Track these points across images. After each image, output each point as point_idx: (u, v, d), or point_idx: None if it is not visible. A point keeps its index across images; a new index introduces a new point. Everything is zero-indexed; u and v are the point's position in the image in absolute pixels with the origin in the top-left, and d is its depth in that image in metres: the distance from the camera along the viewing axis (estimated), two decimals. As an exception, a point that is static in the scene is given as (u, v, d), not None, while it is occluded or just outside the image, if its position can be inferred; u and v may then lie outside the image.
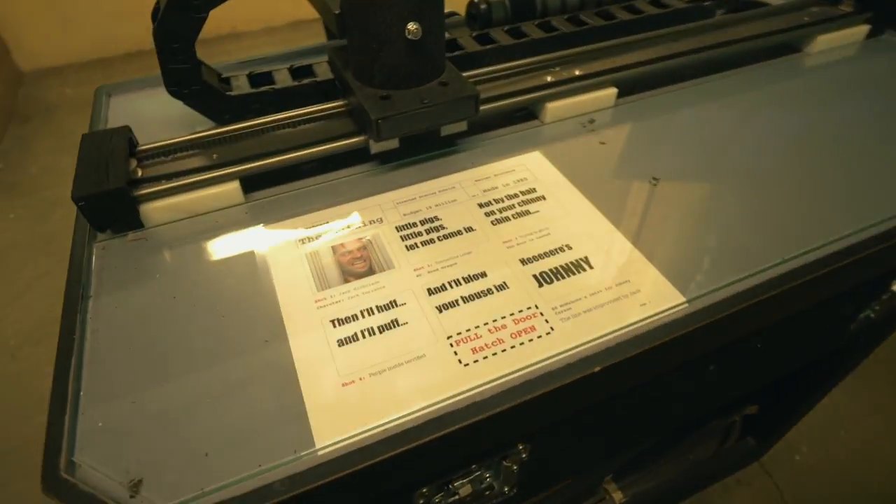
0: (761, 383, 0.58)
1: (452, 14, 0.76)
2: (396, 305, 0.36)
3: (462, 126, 0.47)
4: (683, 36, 0.58)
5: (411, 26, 0.39)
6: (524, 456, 0.38)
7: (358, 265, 0.38)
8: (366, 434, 0.29)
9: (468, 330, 0.34)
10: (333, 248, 0.40)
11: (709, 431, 0.83)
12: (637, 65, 0.53)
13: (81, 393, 0.31)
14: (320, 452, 0.29)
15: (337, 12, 0.41)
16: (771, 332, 0.44)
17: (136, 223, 0.41)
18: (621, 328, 0.34)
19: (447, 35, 0.61)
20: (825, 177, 0.45)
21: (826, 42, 0.61)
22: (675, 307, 0.35)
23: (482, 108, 0.48)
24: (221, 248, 0.40)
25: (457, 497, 0.39)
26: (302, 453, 0.28)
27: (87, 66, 2.35)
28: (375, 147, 0.45)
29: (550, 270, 0.38)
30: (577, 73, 0.53)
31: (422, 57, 0.42)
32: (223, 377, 0.32)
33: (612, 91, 0.52)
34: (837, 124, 0.51)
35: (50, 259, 1.55)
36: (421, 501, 0.37)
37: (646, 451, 0.80)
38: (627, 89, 0.54)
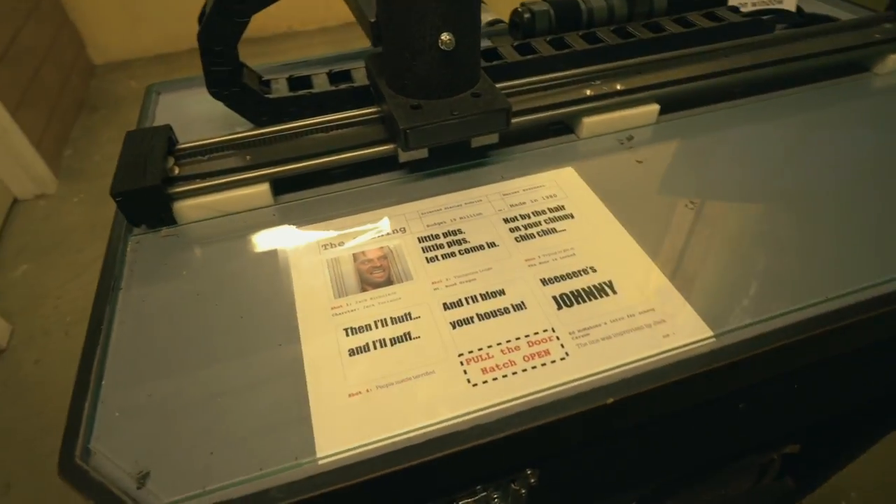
0: (802, 424, 0.55)
1: (497, 21, 0.76)
2: (411, 318, 0.36)
3: (493, 138, 0.46)
4: (736, 51, 0.55)
5: (445, 37, 0.39)
6: (532, 481, 0.37)
7: (377, 274, 0.39)
8: (367, 448, 0.29)
9: (480, 349, 0.33)
10: (354, 255, 0.40)
11: (744, 467, 0.79)
12: (682, 81, 0.51)
13: (103, 382, 0.33)
14: (321, 462, 0.29)
15: (372, 20, 0.41)
16: (811, 374, 0.42)
17: (169, 219, 0.43)
18: (640, 359, 0.32)
19: (488, 43, 0.60)
20: (884, 210, 0.42)
21: (898, 61, 0.56)
22: (701, 341, 0.33)
23: (516, 120, 0.47)
24: (247, 248, 0.41)
25: (461, 518, 0.38)
26: (303, 461, 0.29)
27: (153, 60, 2.49)
28: (404, 156, 0.45)
29: (572, 293, 0.37)
30: (618, 87, 0.51)
31: (454, 68, 0.41)
32: (235, 378, 0.33)
33: (654, 108, 0.51)
34: (903, 152, 0.47)
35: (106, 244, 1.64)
36: (423, 520, 0.37)
37: (673, 480, 0.77)
38: (671, 106, 0.52)
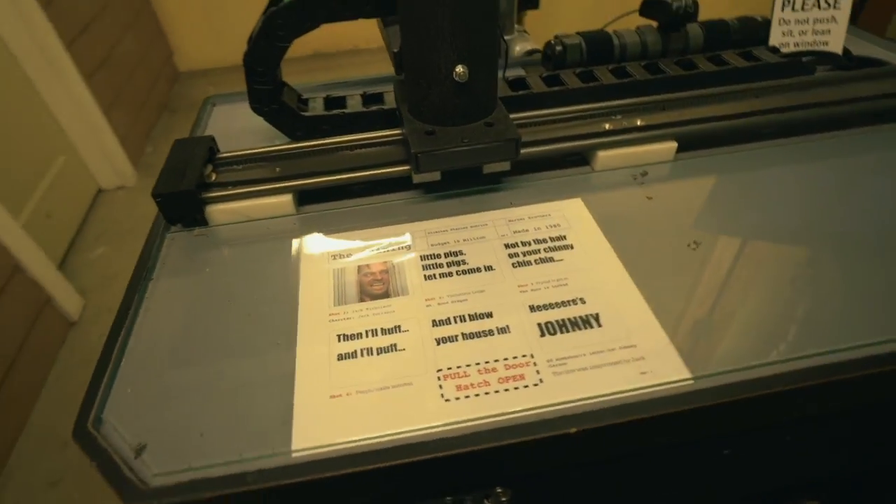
0: (804, 478, 0.52)
1: (536, 51, 0.77)
2: (400, 331, 0.37)
3: (505, 166, 0.48)
4: (766, 92, 0.54)
5: (459, 69, 0.41)
6: (504, 499, 0.38)
7: (376, 287, 0.41)
8: (338, 447, 0.31)
9: (459, 367, 0.35)
10: (359, 267, 0.42)
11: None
12: (702, 120, 0.51)
13: (122, 361, 0.37)
14: (294, 455, 0.31)
15: (395, 51, 0.44)
16: (803, 426, 0.40)
17: (202, 221, 0.47)
18: (612, 393, 0.33)
19: (521, 72, 0.62)
20: (879, 275, 0.40)
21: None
22: (677, 382, 0.33)
23: (529, 150, 0.48)
24: (265, 252, 0.45)
25: (434, 527, 0.39)
26: (278, 452, 0.31)
27: (231, 69, 2.66)
28: (417, 177, 0.47)
29: (557, 321, 0.37)
30: (638, 122, 0.51)
31: (468, 97, 0.43)
32: (233, 370, 0.35)
33: (672, 145, 0.50)
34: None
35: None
36: (395, 523, 0.38)
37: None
38: (691, 144, 0.52)
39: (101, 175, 1.89)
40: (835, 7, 0.63)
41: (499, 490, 0.38)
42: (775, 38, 0.65)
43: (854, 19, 0.91)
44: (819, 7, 0.63)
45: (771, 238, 0.43)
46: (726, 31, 0.65)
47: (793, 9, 0.63)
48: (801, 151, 0.52)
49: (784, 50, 0.64)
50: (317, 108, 0.56)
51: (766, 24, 0.65)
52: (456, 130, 0.44)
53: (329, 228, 0.46)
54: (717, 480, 0.44)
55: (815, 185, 0.48)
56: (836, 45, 0.64)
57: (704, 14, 0.66)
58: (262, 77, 0.51)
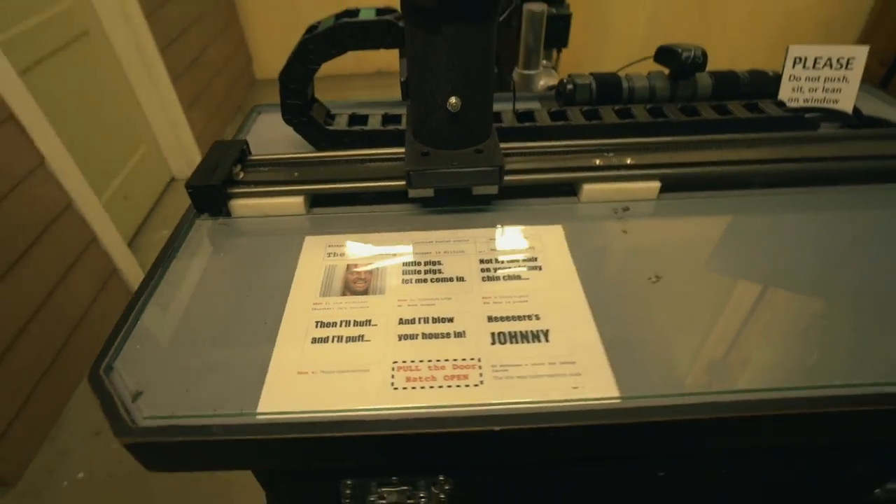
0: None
1: (553, 87, 0.80)
2: (369, 325, 0.41)
3: (493, 189, 0.51)
4: (757, 143, 0.55)
5: (452, 100, 0.45)
6: (447, 488, 0.40)
7: (359, 284, 0.45)
8: (296, 416, 0.35)
9: (413, 361, 0.38)
10: (348, 265, 0.47)
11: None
12: (688, 164, 0.52)
13: (138, 322, 0.42)
14: (258, 417, 0.35)
15: (403, 80, 0.48)
16: (737, 459, 0.40)
17: (226, 212, 0.52)
18: (541, 401, 0.35)
19: (537, 105, 0.65)
20: (839, 323, 0.40)
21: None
22: (605, 399, 0.35)
23: (520, 177, 0.51)
24: (273, 244, 0.50)
25: (384, 502, 0.42)
26: (245, 412, 0.35)
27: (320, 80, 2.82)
28: (412, 193, 0.51)
29: (509, 332, 0.40)
30: (627, 161, 0.53)
31: (460, 125, 0.47)
32: (224, 340, 0.40)
33: (655, 185, 0.52)
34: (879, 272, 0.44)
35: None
36: (348, 492, 0.41)
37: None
38: (675, 186, 0.53)
39: (175, 165, 2.05)
40: (847, 68, 0.63)
41: (441, 478, 0.40)
42: (784, 93, 0.65)
43: (885, 85, 0.89)
44: (831, 67, 0.63)
45: (727, 280, 0.44)
46: (736, 83, 0.66)
47: (804, 67, 0.63)
48: (782, 202, 0.52)
49: (793, 105, 0.64)
50: (341, 123, 0.61)
51: (776, 79, 0.65)
52: (448, 154, 0.48)
53: (332, 229, 0.51)
54: (650, 501, 0.45)
55: (787, 235, 0.48)
56: (846, 103, 0.64)
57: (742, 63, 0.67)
58: (294, 93, 0.56)
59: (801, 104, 0.64)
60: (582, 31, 2.41)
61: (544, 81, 0.82)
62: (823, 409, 0.34)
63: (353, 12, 0.54)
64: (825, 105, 0.64)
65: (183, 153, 2.03)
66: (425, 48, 0.43)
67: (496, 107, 0.63)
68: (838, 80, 0.63)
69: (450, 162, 0.47)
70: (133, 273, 1.54)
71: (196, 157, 2.06)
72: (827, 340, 0.38)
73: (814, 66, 0.63)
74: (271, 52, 2.73)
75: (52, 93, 1.42)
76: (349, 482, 0.41)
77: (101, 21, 1.69)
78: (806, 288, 0.43)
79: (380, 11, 0.53)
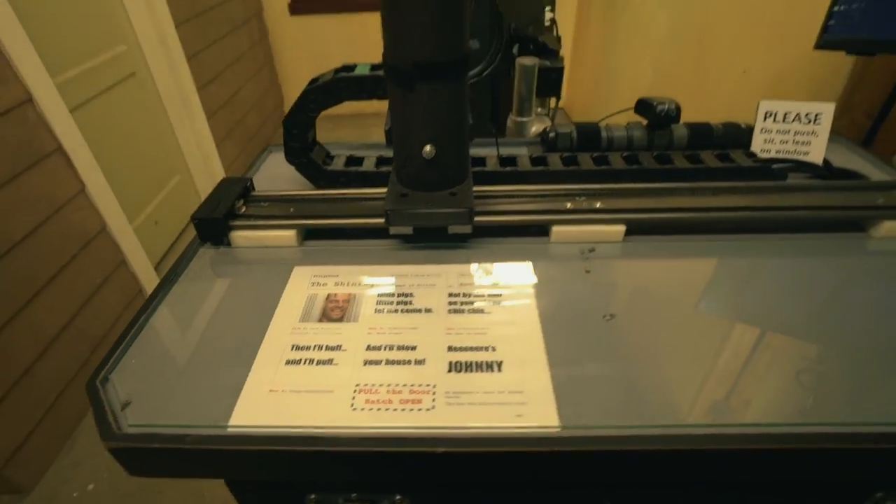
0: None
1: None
2: (339, 350, 0.44)
3: (467, 229, 0.54)
4: (723, 192, 0.57)
5: (427, 148, 0.49)
6: (403, 508, 0.42)
7: (335, 312, 0.48)
8: (264, 430, 0.38)
9: (373, 385, 0.41)
10: (328, 294, 0.50)
11: None
12: (652, 210, 0.55)
13: (136, 340, 0.46)
14: (229, 429, 0.38)
15: (387, 129, 0.53)
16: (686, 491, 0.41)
17: (227, 242, 0.57)
18: (485, 427, 0.37)
19: (522, 151, 0.69)
20: (779, 361, 0.41)
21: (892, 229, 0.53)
22: (545, 427, 0.37)
23: (488, 219, 0.55)
24: (265, 273, 0.54)
25: (346, 520, 0.44)
26: (218, 424, 0.38)
27: (325, 119, 2.94)
28: (392, 230, 0.54)
29: (465, 362, 0.42)
30: (597, 205, 0.56)
31: (436, 170, 0.51)
32: (208, 357, 0.44)
33: (620, 228, 0.54)
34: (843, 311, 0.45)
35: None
36: (311, 507, 0.44)
37: None
38: (640, 229, 0.55)
39: (204, 194, 2.15)
40: (815, 122, 0.65)
41: (398, 497, 0.42)
42: (756, 145, 0.67)
43: (872, 136, 0.90)
44: (800, 121, 0.65)
45: (678, 319, 0.45)
46: (710, 134, 0.68)
47: (774, 120, 0.66)
48: (742, 248, 0.54)
49: (764, 156, 0.67)
50: (338, 163, 0.66)
51: (749, 131, 0.68)
52: (425, 195, 0.52)
53: (319, 261, 0.54)
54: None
55: (743, 279, 0.50)
56: (816, 155, 0.66)
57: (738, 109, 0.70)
58: (296, 137, 0.61)
59: (773, 155, 0.67)
60: (593, 77, 2.48)
61: (536, 128, 0.86)
62: (758, 445, 0.35)
63: (350, 67, 0.60)
64: (796, 156, 0.66)
65: (213, 183, 2.14)
66: (403, 103, 0.48)
67: (484, 151, 0.68)
68: (808, 133, 0.65)
69: (425, 203, 0.51)
70: (157, 294, 1.61)
71: (225, 188, 2.16)
72: (765, 379, 0.39)
73: (784, 120, 0.66)
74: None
75: (97, 126, 1.54)
76: (314, 496, 0.43)
77: (148, 64, 1.82)
78: (752, 330, 0.44)
79: (373, 67, 0.59)
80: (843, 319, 0.45)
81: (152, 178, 1.86)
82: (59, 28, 1.45)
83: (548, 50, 0.91)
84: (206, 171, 2.10)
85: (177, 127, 1.98)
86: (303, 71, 2.81)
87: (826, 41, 0.72)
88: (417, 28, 0.44)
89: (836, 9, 0.69)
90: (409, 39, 0.45)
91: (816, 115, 0.65)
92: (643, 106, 0.69)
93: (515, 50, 0.95)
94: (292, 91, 2.89)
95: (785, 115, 0.66)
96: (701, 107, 1.49)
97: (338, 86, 0.57)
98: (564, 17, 2.75)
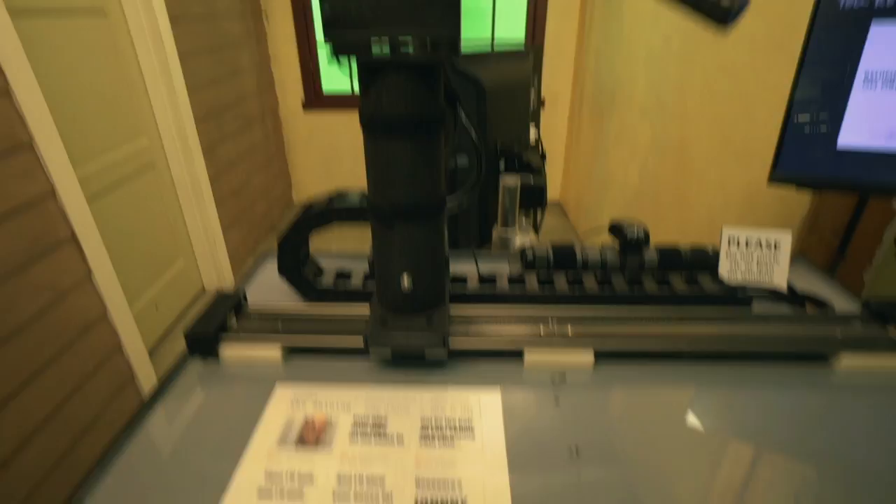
0: None
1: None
2: (311, 481, 0.45)
3: (442, 354, 0.57)
4: (692, 320, 0.60)
5: (405, 283, 0.53)
6: None
7: (310, 436, 0.50)
8: (225, 569, 0.38)
9: (339, 521, 0.41)
10: (306, 417, 0.52)
11: None
12: (622, 337, 0.58)
13: (114, 462, 0.47)
14: (191, 568, 0.38)
15: (370, 260, 0.57)
16: None
17: (216, 356, 0.60)
18: (444, 574, 0.37)
19: (503, 267, 0.73)
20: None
21: (853, 362, 0.56)
22: (503, 576, 0.37)
23: (462, 345, 0.57)
24: (249, 389, 0.56)
25: None
26: (181, 562, 0.39)
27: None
28: (372, 354, 0.57)
29: (430, 497, 0.43)
30: (568, 331, 0.59)
31: (412, 300, 0.55)
32: (185, 478, 0.45)
33: (589, 357, 0.57)
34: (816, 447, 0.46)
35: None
36: None
37: None
38: (609, 356, 0.58)
39: (206, 278, 2.21)
40: (776, 249, 0.69)
41: None
42: (723, 269, 0.71)
43: (833, 271, 0.95)
44: (762, 248, 0.70)
45: (641, 453, 0.47)
46: (678, 258, 0.73)
47: (738, 246, 0.71)
48: (710, 376, 0.56)
49: (731, 279, 0.71)
50: (327, 280, 0.70)
51: (715, 256, 0.72)
52: (404, 321, 0.55)
53: (303, 377, 0.57)
54: None
55: (710, 409, 0.51)
56: (780, 281, 0.69)
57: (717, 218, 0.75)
58: (289, 256, 0.66)
59: (739, 279, 0.71)
60: (586, 175, 2.61)
61: (520, 240, 0.92)
62: None
63: (344, 194, 0.66)
64: (761, 282, 0.70)
65: (216, 267, 2.20)
66: (383, 238, 0.52)
67: (466, 268, 0.72)
68: (769, 261, 0.70)
69: (404, 328, 0.54)
70: (148, 380, 1.61)
71: (227, 272, 2.22)
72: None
73: (746, 246, 0.70)
74: (311, 178, 3.04)
75: (111, 214, 1.62)
76: None
77: (166, 155, 1.95)
78: (722, 464, 0.45)
79: (364, 195, 0.65)
80: (810, 452, 0.46)
81: (157, 261, 1.92)
82: (87, 120, 1.57)
83: (532, 168, 0.99)
84: (211, 256, 2.17)
85: (187, 214, 2.07)
86: (312, 160, 2.99)
87: (776, 176, 0.79)
88: (397, 176, 0.50)
89: (782, 148, 0.76)
90: (389, 185, 0.50)
91: (776, 243, 0.69)
92: (616, 229, 0.74)
93: (502, 165, 1.03)
94: (301, 178, 3.05)
95: (747, 241, 0.70)
96: (684, 213, 1.56)
97: (330, 214, 0.63)
98: (558, 117, 2.95)
